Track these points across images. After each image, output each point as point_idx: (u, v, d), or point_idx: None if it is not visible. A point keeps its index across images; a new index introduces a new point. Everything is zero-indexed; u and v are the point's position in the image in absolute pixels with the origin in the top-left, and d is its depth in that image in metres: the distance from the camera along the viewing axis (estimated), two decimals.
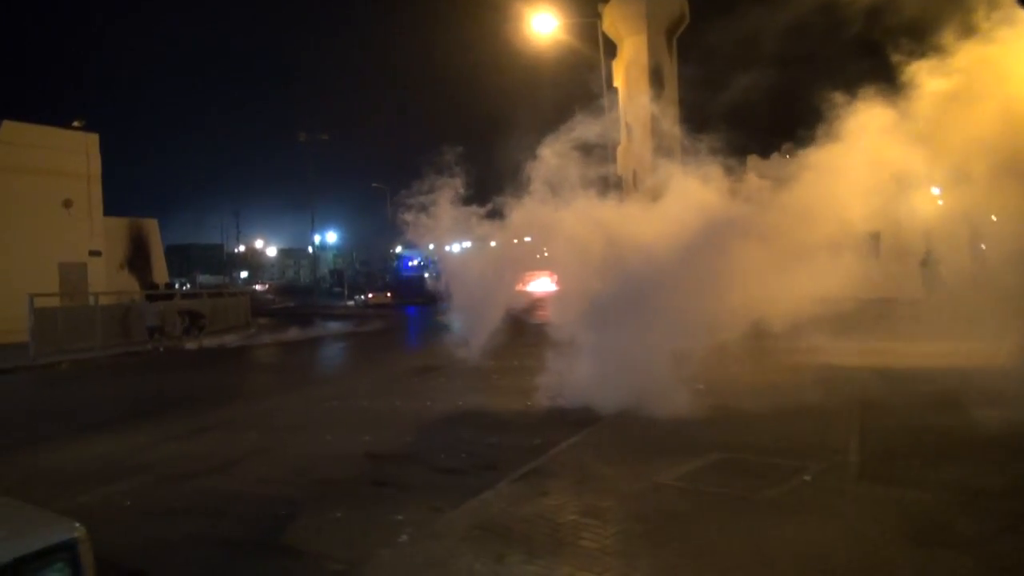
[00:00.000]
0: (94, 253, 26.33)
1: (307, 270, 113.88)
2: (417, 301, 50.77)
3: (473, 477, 8.30)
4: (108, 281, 26.94)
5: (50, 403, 15.43)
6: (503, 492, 7.06)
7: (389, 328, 32.89)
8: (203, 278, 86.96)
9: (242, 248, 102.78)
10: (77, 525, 3.58)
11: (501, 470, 8.39)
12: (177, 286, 37.03)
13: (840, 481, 6.93)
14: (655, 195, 20.12)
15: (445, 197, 17.85)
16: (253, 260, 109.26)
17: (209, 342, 24.27)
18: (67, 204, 25.42)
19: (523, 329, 18.04)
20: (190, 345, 23.35)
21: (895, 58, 13.02)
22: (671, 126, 26.93)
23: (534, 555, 5.55)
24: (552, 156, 16.97)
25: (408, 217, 17.36)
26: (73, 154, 25.82)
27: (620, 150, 30.73)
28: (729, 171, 15.46)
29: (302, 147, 57.85)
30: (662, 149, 28.76)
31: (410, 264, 76.82)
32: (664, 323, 13.16)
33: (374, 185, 67.29)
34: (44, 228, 24.53)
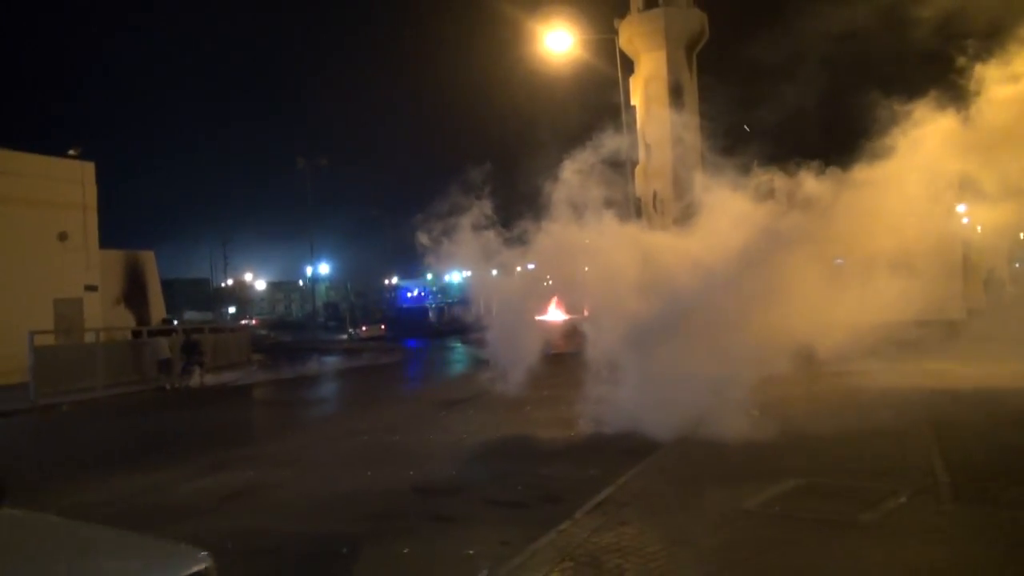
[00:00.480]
0: (90, 288, 26.29)
1: (299, 304, 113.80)
2: (418, 334, 50.77)
3: (536, 510, 8.28)
4: (104, 317, 26.88)
5: (65, 446, 15.32)
6: (581, 523, 7.02)
7: (399, 362, 32.77)
8: (189, 314, 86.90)
9: (230, 282, 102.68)
10: (204, 554, 3.59)
11: (566, 502, 8.35)
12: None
13: (938, 503, 6.91)
14: (687, 215, 20.17)
15: (464, 223, 17.90)
16: (241, 294, 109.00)
17: (211, 380, 24.20)
18: (62, 237, 25.44)
19: (544, 360, 17.84)
20: (193, 383, 23.29)
21: (942, 68, 13.25)
22: (692, 144, 27.07)
23: None
24: (572, 179, 17.11)
25: (428, 240, 17.37)
26: (69, 184, 25.90)
27: (638, 170, 30.83)
28: (764, 190, 15.61)
29: (300, 173, 57.57)
30: (683, 168, 28.99)
31: (409, 295, 77.03)
32: (714, 348, 13.23)
33: (373, 214, 67.30)
34: (39, 262, 24.51)
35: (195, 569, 3.48)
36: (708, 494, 7.71)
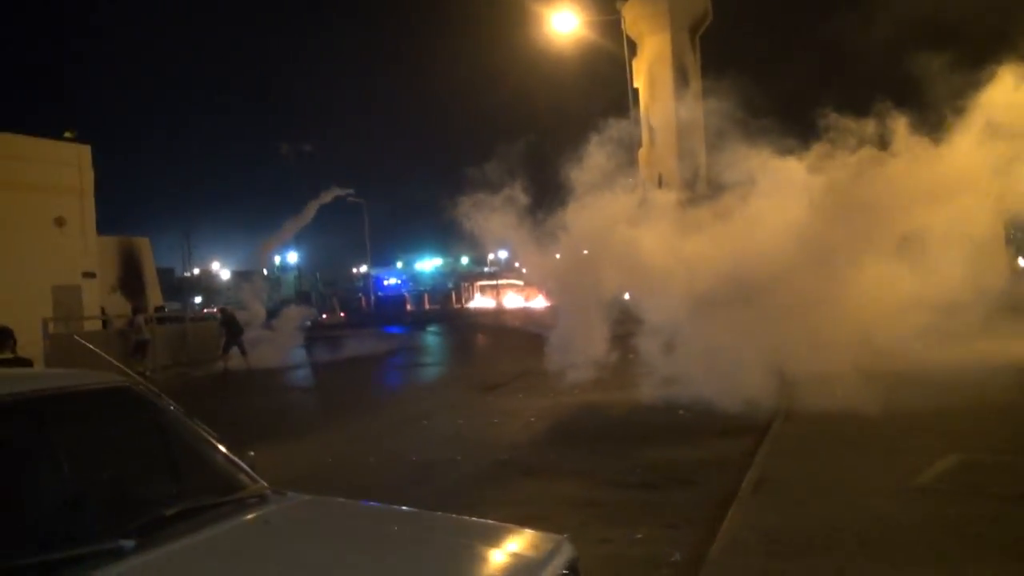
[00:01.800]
0: (88, 275, 25.25)
1: (267, 293, 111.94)
2: (398, 322, 50.03)
3: (671, 492, 7.93)
4: (102, 304, 25.95)
5: None
6: (752, 504, 6.69)
7: (399, 348, 31.89)
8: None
9: (196, 271, 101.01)
10: (564, 537, 3.23)
11: (698, 484, 8.08)
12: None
13: None
14: (694, 198, 19.88)
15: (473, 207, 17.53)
16: (207, 284, 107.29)
17: (228, 364, 23.62)
18: (59, 222, 24.41)
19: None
20: (233, 364, 22.97)
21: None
22: (697, 126, 26.89)
23: (877, 560, 5.21)
24: (581, 162, 16.85)
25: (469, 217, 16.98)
26: (65, 167, 24.73)
27: (642, 153, 30.55)
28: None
29: (272, 160, 55.75)
30: (688, 151, 28.78)
31: (385, 283, 76.26)
32: (779, 326, 13.08)
33: (350, 200, 65.84)
34: (35, 248, 23.38)
35: (571, 556, 3.10)
36: (862, 472, 7.44)
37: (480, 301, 61.02)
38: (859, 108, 15.46)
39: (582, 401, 14.05)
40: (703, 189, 26.27)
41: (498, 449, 10.54)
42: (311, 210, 35.01)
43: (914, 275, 14.12)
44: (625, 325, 16.72)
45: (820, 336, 13.09)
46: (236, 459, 3.77)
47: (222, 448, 3.79)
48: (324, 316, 58.96)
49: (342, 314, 59.71)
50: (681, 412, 12.07)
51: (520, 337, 32.11)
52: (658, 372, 14.17)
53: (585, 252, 16.99)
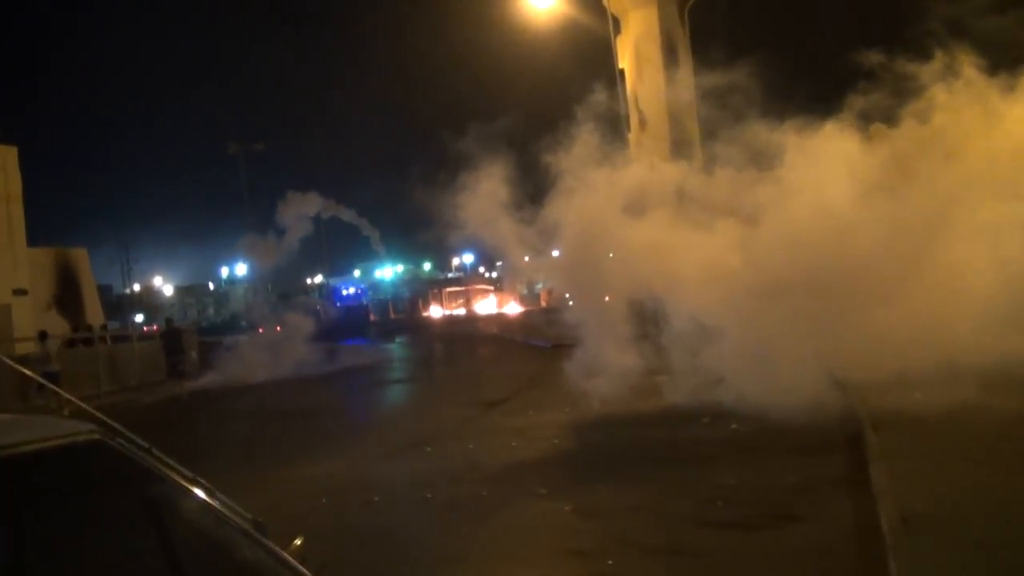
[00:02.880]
0: (19, 292, 23.37)
1: (214, 308, 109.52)
2: (361, 335, 48.30)
3: (784, 534, 6.67)
4: (35, 324, 23.96)
5: None
6: (916, 550, 5.31)
7: (370, 365, 30.19)
8: None
9: (136, 288, 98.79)
10: None
11: (807, 520, 6.84)
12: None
13: None
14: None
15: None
16: (149, 300, 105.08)
17: (178, 389, 21.95)
18: None
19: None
20: (178, 391, 21.22)
21: None
22: (689, 107, 25.83)
23: None
24: (565, 154, 15.62)
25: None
26: None
27: (632, 138, 29.36)
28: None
29: (231, 161, 51.98)
30: (680, 137, 27.70)
31: (344, 292, 74.49)
32: (836, 326, 12.09)
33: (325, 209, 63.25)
34: None
35: None
36: None
37: (449, 308, 59.47)
38: (871, 79, 14.50)
39: (606, 415, 12.73)
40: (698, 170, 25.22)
41: (528, 480, 9.14)
42: (304, 223, 32.76)
43: (979, 257, 12.99)
44: (639, 325, 15.42)
45: (874, 330, 12.00)
46: (277, 550, 2.34)
47: (257, 534, 2.36)
48: (260, 330, 57.12)
49: (278, 328, 57.57)
50: (734, 426, 10.75)
51: (504, 345, 30.87)
52: (684, 378, 12.98)
53: (582, 246, 15.62)
